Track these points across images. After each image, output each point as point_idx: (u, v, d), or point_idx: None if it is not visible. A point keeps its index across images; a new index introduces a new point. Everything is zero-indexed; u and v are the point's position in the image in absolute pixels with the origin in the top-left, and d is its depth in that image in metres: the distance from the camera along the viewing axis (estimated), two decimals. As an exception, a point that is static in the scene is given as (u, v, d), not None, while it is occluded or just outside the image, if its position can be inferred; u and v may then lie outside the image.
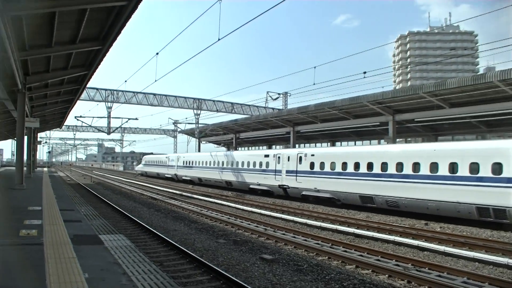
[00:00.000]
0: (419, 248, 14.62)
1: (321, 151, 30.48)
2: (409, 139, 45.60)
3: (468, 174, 19.39)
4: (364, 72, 29.85)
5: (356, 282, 10.35)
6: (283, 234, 17.14)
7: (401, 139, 43.41)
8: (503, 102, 25.65)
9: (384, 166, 23.62)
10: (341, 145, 47.75)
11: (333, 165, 27.25)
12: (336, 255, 13.24)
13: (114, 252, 10.71)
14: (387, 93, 30.68)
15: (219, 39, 18.06)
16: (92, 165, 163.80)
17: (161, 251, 13.46)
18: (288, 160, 31.53)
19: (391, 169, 23.12)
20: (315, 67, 33.21)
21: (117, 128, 56.68)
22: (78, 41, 16.20)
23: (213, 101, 54.06)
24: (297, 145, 47.20)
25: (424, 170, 21.35)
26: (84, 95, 41.23)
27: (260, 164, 35.30)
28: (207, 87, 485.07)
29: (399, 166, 22.70)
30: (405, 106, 31.01)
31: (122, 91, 47.84)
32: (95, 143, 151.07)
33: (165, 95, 51.05)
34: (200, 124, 55.82)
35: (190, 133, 68.09)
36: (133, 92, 48.58)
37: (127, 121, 52.33)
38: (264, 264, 12.03)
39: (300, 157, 30.26)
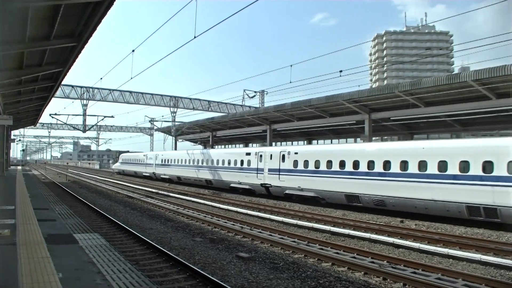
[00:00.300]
0: (394, 245, 14.77)
1: (305, 149, 30.23)
2: (385, 137, 45.98)
3: (458, 173, 19.16)
4: (340, 71, 29.88)
5: (332, 279, 10.40)
6: (260, 232, 17.17)
7: (377, 138, 43.75)
8: (476, 101, 26.02)
9: (370, 164, 23.28)
10: (317, 143, 47.87)
11: (317, 163, 26.86)
12: (312, 252, 13.28)
13: (89, 251, 10.59)
14: (363, 91, 30.87)
15: (195, 37, 17.97)
16: (67, 163, 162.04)
17: (137, 250, 13.38)
18: (271, 158, 31.03)
19: (378, 168, 22.80)
20: (291, 66, 33.26)
21: (92, 126, 56.08)
22: (52, 37, 15.96)
23: (190, 99, 53.88)
24: (273, 143, 47.21)
25: (413, 168, 21.08)
26: (59, 92, 40.67)
27: (241, 162, 34.78)
28: (184, 85, 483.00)
29: (387, 164, 22.41)
30: (381, 105, 31.25)
31: (98, 88, 47.41)
32: (71, 141, 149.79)
33: (142, 93, 50.70)
34: (177, 122, 55.64)
35: (166, 131, 67.81)
36: (109, 89, 48.18)
37: (103, 119, 51.89)
38: (241, 262, 12.02)
39: (283, 155, 29.81)
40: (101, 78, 50.58)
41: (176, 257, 11.72)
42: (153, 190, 37.27)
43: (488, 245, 14.61)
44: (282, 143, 52.54)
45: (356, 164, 24.11)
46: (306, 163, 27.80)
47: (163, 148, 74.76)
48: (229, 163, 36.86)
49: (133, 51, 26.39)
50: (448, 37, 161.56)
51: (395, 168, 21.95)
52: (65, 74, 23.41)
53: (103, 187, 41.64)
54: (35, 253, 8.14)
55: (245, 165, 34.22)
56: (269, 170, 31.06)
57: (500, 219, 17.66)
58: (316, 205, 26.21)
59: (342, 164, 25.02)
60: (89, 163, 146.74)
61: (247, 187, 34.10)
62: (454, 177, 19.25)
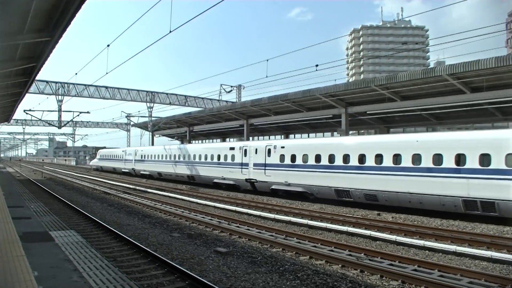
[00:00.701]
0: (371, 238, 14.91)
1: (292, 143, 29.56)
2: (362, 131, 46.28)
3: (454, 166, 18.83)
4: (316, 65, 29.87)
5: (310, 272, 10.45)
6: (237, 226, 17.20)
7: (353, 131, 44.03)
8: (451, 95, 26.30)
9: (361, 158, 22.80)
10: (294, 137, 47.89)
11: (305, 157, 26.25)
12: (290, 246, 13.34)
13: (65, 248, 10.51)
14: (339, 86, 30.94)
15: (170, 31, 17.85)
16: (43, 160, 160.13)
17: (114, 246, 13.27)
18: (256, 153, 30.41)
19: (370, 161, 22.37)
20: (267, 60, 33.30)
21: (68, 122, 55.35)
22: (25, 31, 15.70)
23: (167, 94, 53.50)
24: (251, 138, 47.19)
25: (406, 162, 20.70)
26: (33, 88, 40.04)
27: (225, 157, 34.03)
28: (161, 80, 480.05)
29: (379, 158, 21.96)
30: (357, 99, 31.40)
31: (73, 84, 46.75)
32: (46, 138, 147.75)
33: (118, 88, 50.15)
34: (154, 117, 55.21)
35: (143, 126, 67.27)
36: (84, 85, 47.54)
37: (78, 115, 51.16)
38: (219, 257, 12.02)
39: (269, 150, 29.18)
40: (76, 73, 50.03)
41: (154, 253, 11.67)
42: (131, 186, 37.03)
43: (463, 237, 14.86)
44: (260, 137, 52.56)
45: (346, 158, 23.63)
46: (293, 157, 27.22)
47: (140, 143, 74.26)
48: (212, 158, 36.19)
49: (108, 46, 26.12)
50: (424, 31, 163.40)
51: (387, 161, 21.56)
52: (39, 70, 23.01)
53: (79, 184, 41.22)
54: (9, 252, 8.02)
55: (229, 160, 33.52)
56: (254, 165, 30.47)
57: (498, 213, 17.44)
58: (303, 200, 25.83)
59: (331, 158, 24.52)
60: (65, 160, 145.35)
61: (231, 182, 33.35)
62: (450, 170, 18.95)
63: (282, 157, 28.08)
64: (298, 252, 12.78)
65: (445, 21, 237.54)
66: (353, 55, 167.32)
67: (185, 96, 55.28)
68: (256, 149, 30.58)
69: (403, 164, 20.88)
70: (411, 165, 20.51)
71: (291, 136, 48.80)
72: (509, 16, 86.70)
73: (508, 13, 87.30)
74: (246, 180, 31.37)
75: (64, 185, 39.42)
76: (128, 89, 51.15)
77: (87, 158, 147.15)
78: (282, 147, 28.38)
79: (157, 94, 52.70)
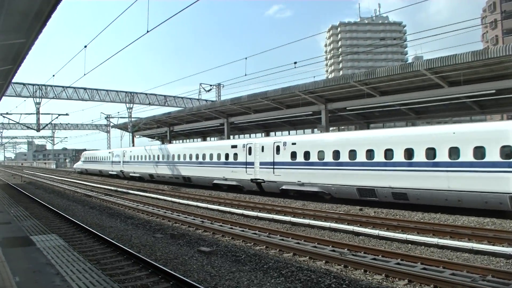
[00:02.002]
0: (354, 233, 14.99)
1: (305, 139, 27.40)
2: (342, 127, 46.45)
3: (499, 160, 17.32)
4: (295, 63, 29.90)
5: (294, 269, 10.47)
6: (221, 225, 17.18)
7: (334, 128, 44.19)
8: (430, 90, 26.53)
9: (389, 153, 21.24)
10: (275, 135, 47.71)
11: (321, 154, 24.54)
12: (273, 244, 13.36)
13: (47, 252, 10.39)
14: (318, 82, 30.97)
15: (148, 31, 17.77)
16: (22, 164, 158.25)
17: (97, 249, 13.17)
18: (262, 151, 28.63)
19: (398, 157, 20.77)
20: (246, 58, 33.17)
21: (47, 124, 54.79)
22: (-2, 32, 15.43)
23: (146, 94, 53.19)
24: (231, 136, 47.06)
25: (442, 156, 19.14)
26: (9, 91, 39.54)
27: (227, 156, 32.12)
28: (140, 80, 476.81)
29: (408, 152, 20.42)
30: (337, 95, 31.51)
31: (51, 86, 46.18)
32: (25, 141, 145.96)
33: (96, 89, 49.65)
34: (133, 118, 54.88)
35: (123, 127, 66.78)
36: (62, 86, 47.00)
37: (57, 117, 50.74)
38: (203, 257, 12.00)
39: (278, 147, 27.45)
40: (53, 75, 49.20)
41: (137, 254, 11.61)
42: (112, 188, 36.79)
43: (445, 229, 15.04)
44: (240, 135, 52.44)
45: (370, 154, 22.06)
46: (307, 154, 25.46)
47: (120, 145, 73.67)
48: (211, 158, 34.21)
49: (85, 46, 25.82)
50: (401, 27, 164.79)
51: (420, 156, 20.00)
52: (16, 72, 22.72)
53: (60, 187, 40.81)
54: (-11, 258, 7.91)
55: (230, 159, 31.69)
56: (261, 163, 28.67)
57: None
58: (318, 201, 24.28)
59: (353, 154, 22.87)
60: (45, 163, 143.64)
61: (234, 183, 31.46)
62: (495, 164, 17.43)
63: (293, 155, 26.40)
64: (282, 249, 12.80)
65: (422, 16, 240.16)
66: (332, 52, 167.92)
67: (165, 96, 55.02)
68: (263, 147, 28.82)
69: (438, 159, 19.38)
70: (448, 160, 19.00)
71: (272, 134, 48.72)
72: (483, 11, 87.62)
73: (483, 8, 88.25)
74: (252, 180, 29.51)
75: (45, 189, 38.99)
76: (107, 90, 50.69)
77: (67, 160, 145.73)
78: (293, 144, 26.63)
79: (136, 94, 52.36)
